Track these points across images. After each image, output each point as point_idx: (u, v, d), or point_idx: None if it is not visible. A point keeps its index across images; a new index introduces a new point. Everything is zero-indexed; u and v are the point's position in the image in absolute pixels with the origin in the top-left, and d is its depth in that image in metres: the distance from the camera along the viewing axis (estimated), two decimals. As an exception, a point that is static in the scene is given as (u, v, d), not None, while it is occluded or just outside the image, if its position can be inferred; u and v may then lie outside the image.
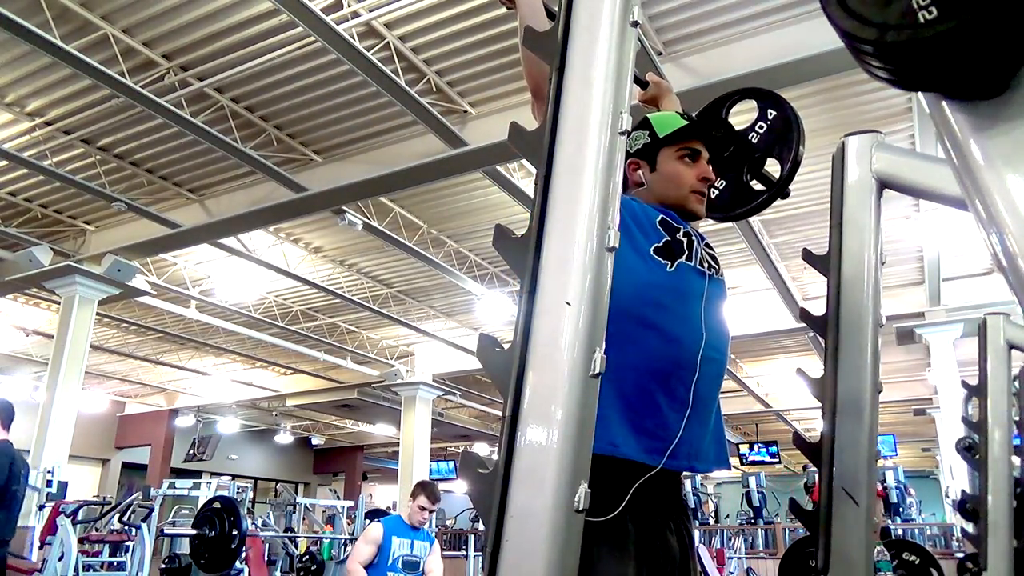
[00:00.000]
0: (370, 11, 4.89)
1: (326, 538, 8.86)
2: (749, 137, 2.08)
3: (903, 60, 0.75)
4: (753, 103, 2.10)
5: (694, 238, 1.51)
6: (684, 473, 1.47)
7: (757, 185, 2.00)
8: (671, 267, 1.43)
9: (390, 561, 3.93)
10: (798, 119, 1.96)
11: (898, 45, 0.73)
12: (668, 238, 1.46)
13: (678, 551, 1.40)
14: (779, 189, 1.94)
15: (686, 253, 1.47)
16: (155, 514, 7.41)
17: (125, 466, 16.84)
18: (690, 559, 1.43)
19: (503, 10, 4.96)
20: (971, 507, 3.60)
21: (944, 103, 0.80)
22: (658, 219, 1.48)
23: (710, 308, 1.46)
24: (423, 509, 4.04)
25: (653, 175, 1.58)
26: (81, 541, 7.08)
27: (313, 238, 8.60)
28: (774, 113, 2.03)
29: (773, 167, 1.94)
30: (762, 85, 5.22)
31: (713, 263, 1.54)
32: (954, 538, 9.47)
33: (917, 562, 5.39)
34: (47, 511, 7.21)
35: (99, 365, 13.71)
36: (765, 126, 2.03)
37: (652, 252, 1.43)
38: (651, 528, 1.35)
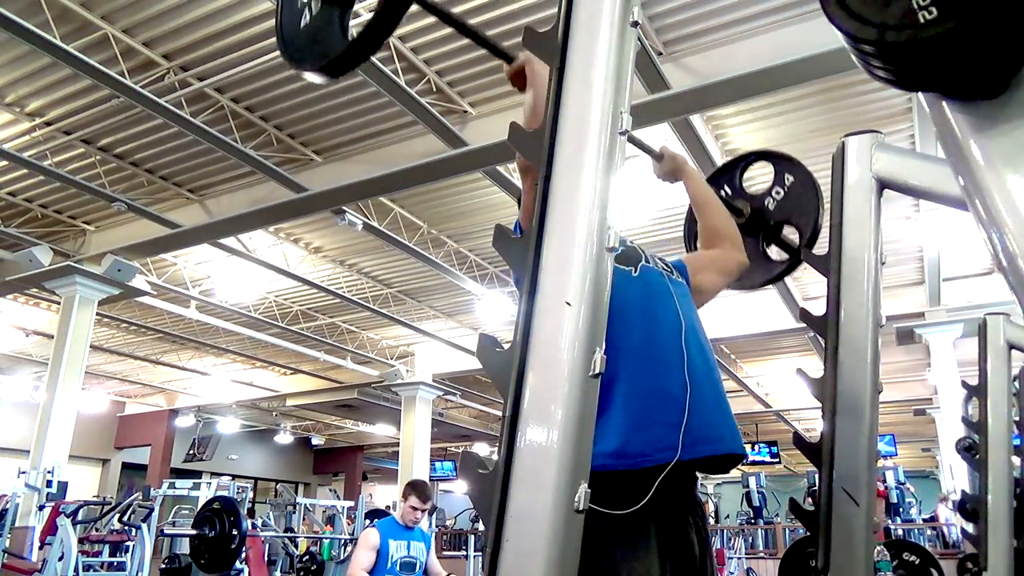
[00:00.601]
0: (370, 11, 4.88)
1: (326, 538, 8.87)
2: (765, 203, 2.03)
3: (903, 60, 0.75)
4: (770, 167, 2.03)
5: (641, 249, 1.62)
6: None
7: (773, 252, 1.96)
8: (635, 272, 1.52)
9: (389, 564, 3.93)
10: (816, 184, 1.93)
11: (898, 45, 0.73)
12: (622, 247, 1.53)
13: (698, 547, 1.42)
14: (801, 256, 1.92)
15: (643, 257, 1.57)
16: (155, 514, 7.41)
17: (125, 466, 16.84)
18: (708, 555, 1.45)
19: (503, 10, 4.96)
20: (971, 507, 3.60)
21: (944, 103, 0.80)
22: None
23: (682, 302, 1.54)
24: (415, 509, 4.04)
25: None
26: (81, 541, 7.09)
27: (313, 238, 8.60)
28: (791, 178, 1.98)
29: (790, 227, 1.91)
30: (762, 85, 5.16)
31: (667, 268, 1.63)
32: (952, 538, 9.47)
33: (917, 562, 5.39)
34: (47, 511, 7.20)
35: (99, 365, 13.70)
36: (782, 192, 1.98)
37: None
38: (672, 524, 1.37)
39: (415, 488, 4.13)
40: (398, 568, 3.95)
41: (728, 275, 1.80)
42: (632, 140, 1.76)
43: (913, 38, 0.71)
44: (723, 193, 2.07)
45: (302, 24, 1.31)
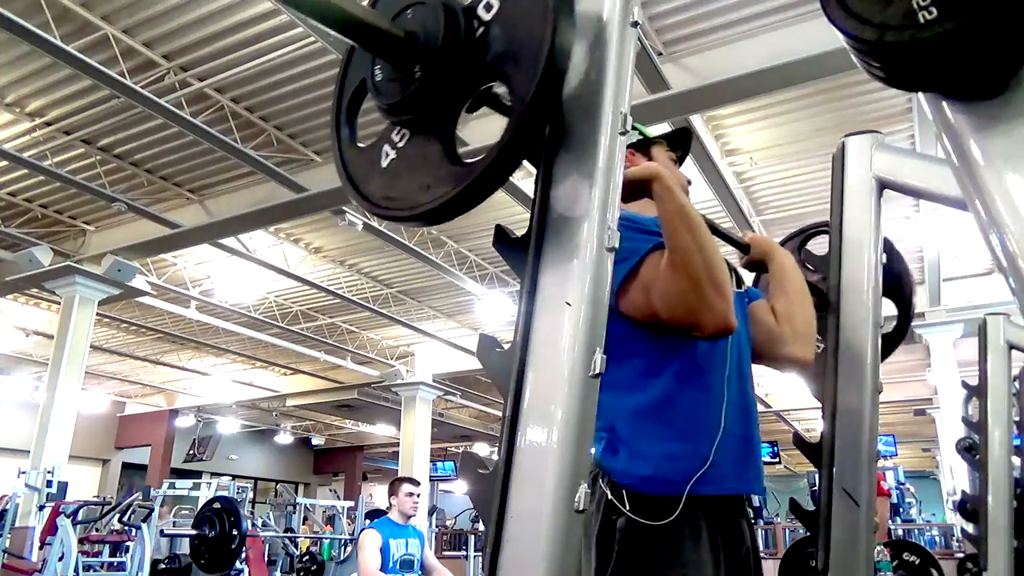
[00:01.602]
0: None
1: (326, 538, 8.87)
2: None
3: (903, 60, 0.75)
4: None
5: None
6: None
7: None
8: None
9: (391, 564, 3.96)
10: (902, 259, 1.91)
11: (898, 45, 0.73)
12: None
13: (748, 536, 1.40)
14: (900, 336, 1.88)
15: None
16: (155, 514, 7.41)
17: (125, 466, 16.84)
18: (755, 545, 1.43)
19: (503, 10, 4.97)
20: (971, 507, 3.60)
21: (944, 103, 0.80)
22: None
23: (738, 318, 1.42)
24: (411, 495, 4.15)
25: None
26: (81, 541, 7.08)
27: (313, 238, 8.60)
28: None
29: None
30: (762, 85, 5.16)
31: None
32: (954, 539, 9.47)
33: (917, 562, 5.39)
34: (47, 511, 7.20)
35: (99, 365, 13.70)
36: None
37: None
38: (723, 515, 1.34)
39: (402, 479, 4.37)
40: (398, 567, 3.98)
41: (769, 360, 1.56)
42: (719, 232, 1.54)
43: (913, 38, 0.71)
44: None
45: (384, 164, 1.03)
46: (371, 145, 1.06)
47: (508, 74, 0.93)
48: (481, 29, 0.96)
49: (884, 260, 1.68)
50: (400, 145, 1.02)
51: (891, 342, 1.86)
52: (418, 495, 4.28)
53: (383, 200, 1.01)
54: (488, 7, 0.97)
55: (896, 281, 1.87)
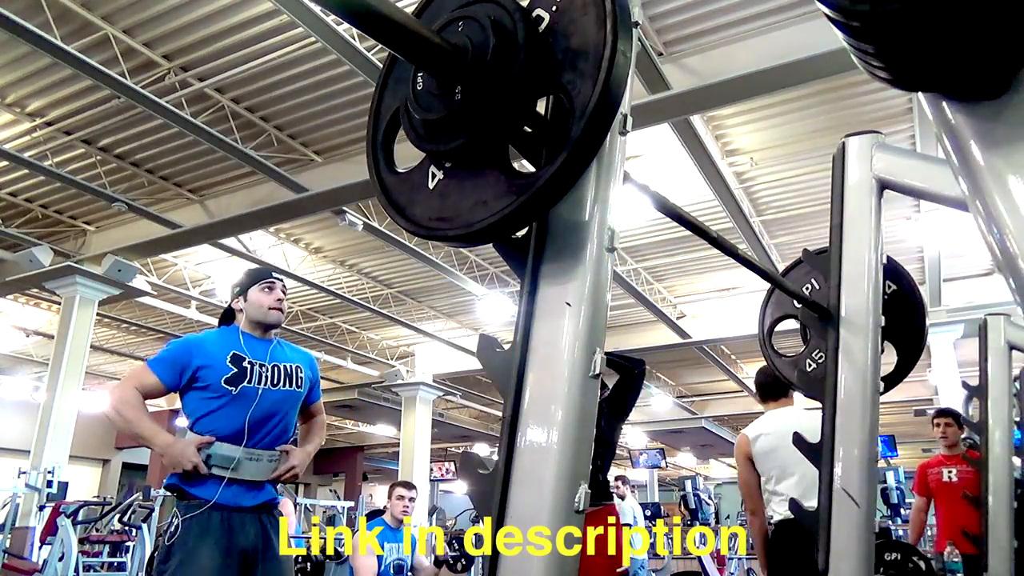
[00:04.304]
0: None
1: (326, 538, 8.85)
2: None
3: (870, 33, 0.72)
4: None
5: (261, 364, 2.39)
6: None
7: None
8: (235, 391, 2.31)
9: (382, 567, 3.95)
10: (916, 289, 1.92)
11: (862, 15, 0.70)
12: (235, 370, 2.31)
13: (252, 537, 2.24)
14: (909, 365, 1.92)
15: (247, 378, 2.31)
16: (155, 514, 7.41)
17: (125, 466, 16.83)
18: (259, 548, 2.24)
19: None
20: (971, 507, 3.59)
21: (944, 103, 0.80)
22: (230, 354, 2.33)
23: (266, 398, 2.36)
24: (402, 498, 4.16)
25: (247, 304, 2.59)
26: (81, 541, 7.08)
27: (313, 238, 8.60)
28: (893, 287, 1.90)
29: None
30: (762, 85, 5.17)
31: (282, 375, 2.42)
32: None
33: (899, 558, 5.37)
34: (47, 511, 7.20)
35: (100, 365, 13.70)
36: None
37: (223, 383, 2.28)
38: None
39: (397, 483, 4.41)
40: (391, 571, 3.97)
41: None
42: None
43: (875, 10, 0.68)
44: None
45: (431, 185, 0.99)
46: (414, 168, 1.04)
47: (566, 84, 0.91)
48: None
49: (887, 276, 1.71)
50: (447, 165, 1.00)
51: (899, 373, 1.91)
52: (410, 499, 4.22)
53: (432, 222, 0.99)
54: (538, 21, 0.96)
55: (910, 310, 1.90)
